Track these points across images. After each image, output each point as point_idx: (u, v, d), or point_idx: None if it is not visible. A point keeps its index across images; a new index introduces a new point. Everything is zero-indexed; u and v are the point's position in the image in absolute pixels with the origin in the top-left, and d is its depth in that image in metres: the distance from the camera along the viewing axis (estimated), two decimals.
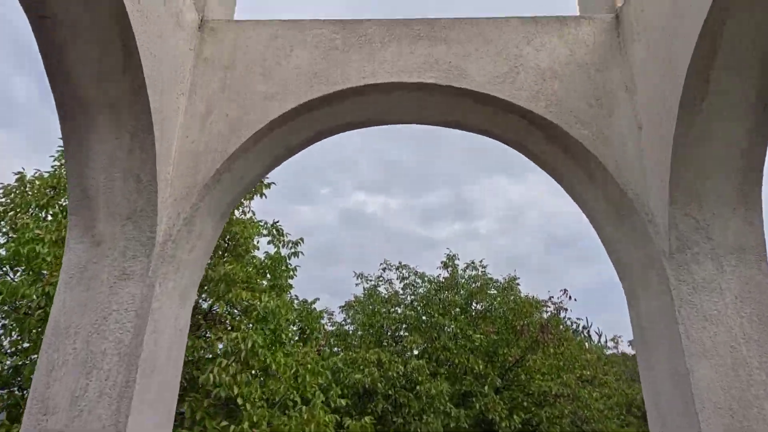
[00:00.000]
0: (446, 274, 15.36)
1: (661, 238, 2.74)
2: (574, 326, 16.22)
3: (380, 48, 3.22)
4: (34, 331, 6.85)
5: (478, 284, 15.07)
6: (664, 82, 2.74)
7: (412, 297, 15.49)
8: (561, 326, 14.24)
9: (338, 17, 3.35)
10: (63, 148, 3.38)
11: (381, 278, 16.01)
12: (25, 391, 6.77)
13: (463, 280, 15.48)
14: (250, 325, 8.31)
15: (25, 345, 7.15)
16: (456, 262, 15.40)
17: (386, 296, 15.46)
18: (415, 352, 13.42)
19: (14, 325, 6.99)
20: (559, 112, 3.03)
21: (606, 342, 19.75)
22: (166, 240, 2.84)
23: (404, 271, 15.93)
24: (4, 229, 8.49)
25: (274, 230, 11.40)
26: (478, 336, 13.09)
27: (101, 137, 2.72)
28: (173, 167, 2.96)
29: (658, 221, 2.77)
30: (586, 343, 16.92)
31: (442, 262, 15.47)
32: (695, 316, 2.57)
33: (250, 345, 7.07)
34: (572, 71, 3.12)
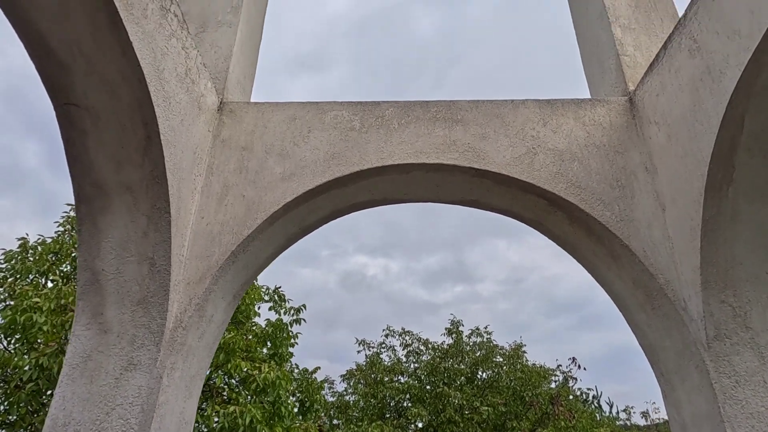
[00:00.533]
0: (450, 341, 14.96)
1: (697, 326, 2.62)
2: (584, 396, 15.60)
3: (398, 129, 3.24)
4: (23, 405, 6.54)
5: (484, 351, 14.64)
6: (687, 166, 2.72)
7: (416, 365, 15.00)
8: (571, 396, 13.70)
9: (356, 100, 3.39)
10: (75, 227, 3.29)
11: (383, 345, 15.57)
12: None
13: (468, 347, 15.05)
14: (249, 398, 7.96)
15: (12, 418, 6.82)
16: (460, 328, 15.04)
17: (389, 364, 14.98)
18: (420, 425, 12.81)
19: (3, 397, 6.69)
20: (580, 193, 2.99)
21: (618, 413, 18.93)
22: (177, 326, 2.71)
23: (407, 338, 15.52)
24: (2, 296, 8.32)
25: (275, 296, 11.17)
26: (486, 408, 12.52)
27: (117, 220, 2.66)
28: (187, 249, 2.88)
29: (691, 308, 2.66)
30: (598, 415, 16.17)
31: (446, 329, 15.12)
32: (741, 414, 2.40)
33: (248, 421, 6.73)
34: (591, 153, 3.12)
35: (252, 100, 4.16)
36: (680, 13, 3.82)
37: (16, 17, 2.11)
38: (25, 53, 2.24)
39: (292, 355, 10.46)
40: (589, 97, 4.11)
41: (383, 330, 15.78)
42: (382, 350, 15.47)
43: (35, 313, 7.20)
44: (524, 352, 14.79)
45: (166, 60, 2.59)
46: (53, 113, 2.41)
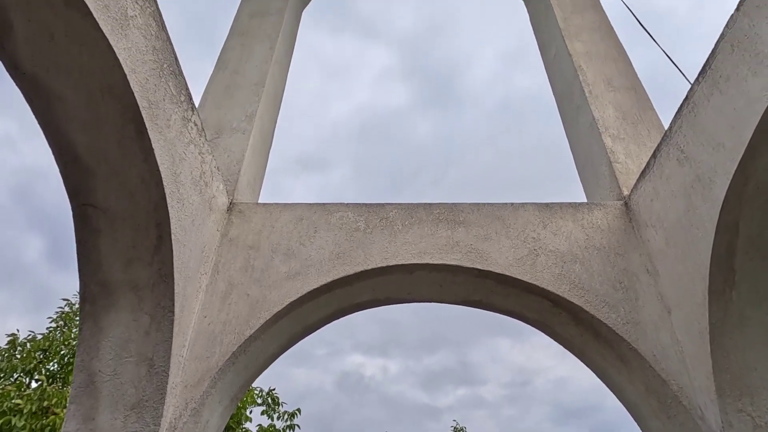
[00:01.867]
0: None
1: None
2: None
3: (402, 230, 3.32)
4: None
5: None
6: (687, 270, 2.76)
7: None
8: None
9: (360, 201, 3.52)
10: (78, 327, 3.24)
11: None
12: None
13: None
14: None
15: None
16: None
17: None
18: None
19: None
20: (584, 294, 3.00)
21: None
22: None
23: None
24: None
25: (269, 399, 10.64)
26: None
27: (119, 319, 2.64)
28: (188, 349, 2.83)
29: (709, 417, 2.56)
30: None
31: None
32: None
33: None
34: (591, 255, 3.18)
35: (260, 198, 4.30)
36: (665, 124, 4.10)
37: (50, 127, 2.27)
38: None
39: None
40: (585, 199, 4.27)
41: None
42: None
43: (14, 416, 6.85)
44: None
45: (183, 165, 2.73)
46: (59, 209, 2.50)
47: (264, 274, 3.14)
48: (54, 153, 2.36)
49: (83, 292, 2.66)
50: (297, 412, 10.46)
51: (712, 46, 2.60)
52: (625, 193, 3.50)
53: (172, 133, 2.60)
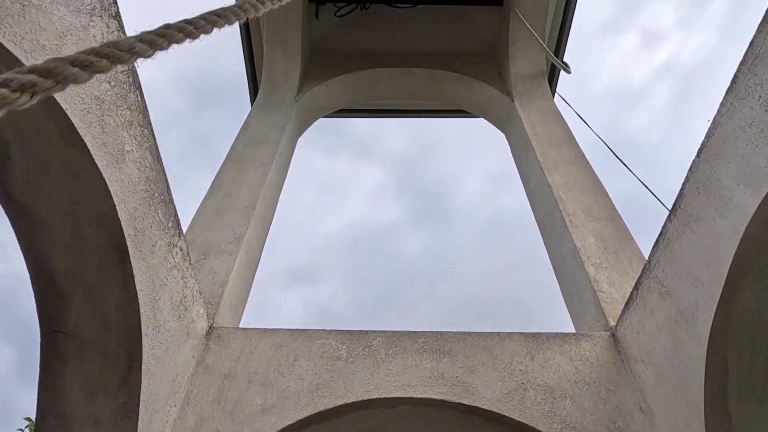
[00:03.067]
0: None
1: None
2: None
3: (385, 359, 3.21)
4: None
5: None
6: (682, 410, 2.64)
7: None
8: None
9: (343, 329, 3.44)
10: None
11: None
12: None
13: None
14: None
15: None
16: None
17: None
18: None
19: None
20: None
21: None
22: None
23: None
24: None
25: None
26: None
27: None
28: None
29: None
30: None
31: None
32: None
33: None
34: (582, 390, 3.05)
35: (244, 318, 4.20)
36: (645, 253, 4.19)
37: (31, 251, 2.27)
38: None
39: None
40: (572, 325, 4.21)
41: None
42: None
43: None
44: None
45: (164, 290, 2.70)
46: (36, 322, 2.41)
47: (237, 407, 2.96)
48: (31, 277, 2.34)
49: (39, 425, 2.47)
50: None
51: (681, 180, 2.75)
52: (612, 323, 3.46)
53: (156, 259, 2.60)
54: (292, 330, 3.42)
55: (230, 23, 1.03)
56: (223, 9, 1.02)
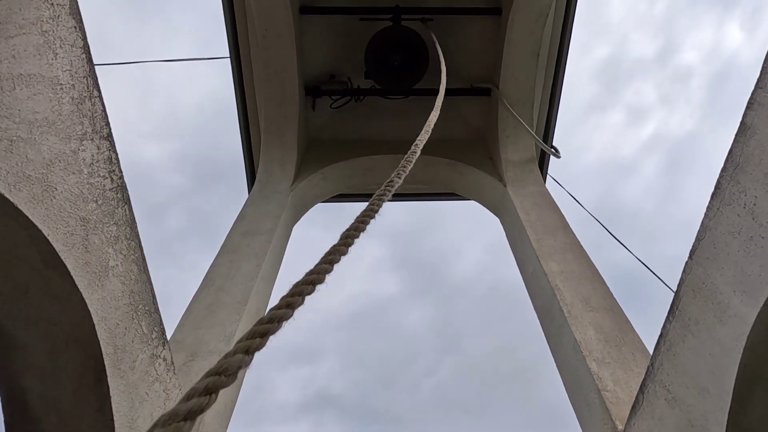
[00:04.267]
0: None
1: None
2: None
3: None
4: None
5: None
6: None
7: None
8: None
9: None
10: None
11: None
12: None
13: None
14: None
15: None
16: None
17: None
18: None
19: None
20: None
21: None
22: None
23: None
24: None
25: None
26: None
27: None
28: None
29: None
30: None
31: None
32: None
33: None
34: None
35: (231, 425, 3.97)
36: (647, 345, 4.05)
37: (4, 374, 2.17)
38: None
39: None
40: (579, 425, 3.98)
41: None
42: None
43: None
44: None
45: (144, 407, 2.56)
46: None
47: None
48: (2, 400, 2.22)
49: None
50: None
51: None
52: (620, 427, 3.26)
53: (136, 374, 2.49)
54: None
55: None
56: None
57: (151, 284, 2.69)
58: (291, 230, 6.33)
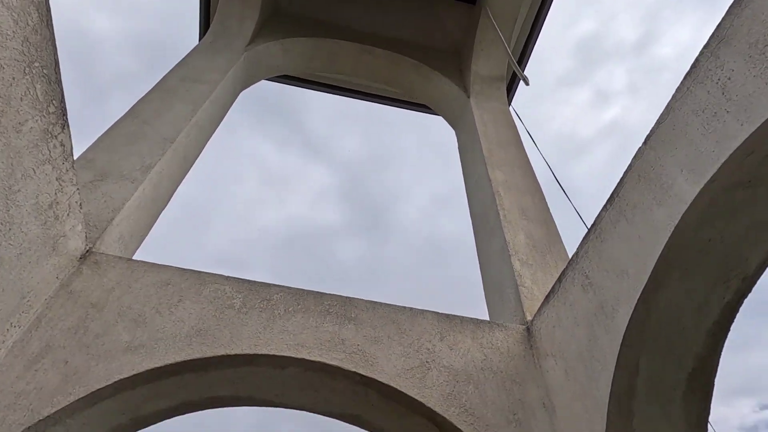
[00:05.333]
0: None
1: None
2: None
3: (283, 315, 2.87)
4: None
5: None
6: (586, 408, 2.49)
7: None
8: None
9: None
10: None
11: None
12: None
13: None
14: None
15: None
16: None
17: None
18: None
19: None
20: (474, 422, 2.61)
21: None
22: None
23: None
24: None
25: None
26: None
27: None
28: None
29: None
30: None
31: None
32: None
33: None
34: (487, 378, 2.85)
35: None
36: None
37: None
38: None
39: None
40: (488, 318, 4.05)
41: None
42: None
43: None
44: None
45: (27, 183, 2.24)
46: None
47: (98, 341, 2.51)
48: None
49: None
50: None
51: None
52: (529, 318, 3.31)
53: (22, 141, 2.15)
54: (184, 270, 3.01)
55: None
56: None
57: (55, 52, 2.29)
58: (237, 93, 5.86)
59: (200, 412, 2.86)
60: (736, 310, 2.36)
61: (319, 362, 2.69)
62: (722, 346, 2.41)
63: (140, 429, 2.70)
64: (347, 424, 2.97)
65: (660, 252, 2.19)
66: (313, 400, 2.88)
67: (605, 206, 2.69)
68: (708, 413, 2.44)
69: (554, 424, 2.71)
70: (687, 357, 2.36)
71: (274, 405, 2.91)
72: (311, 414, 2.95)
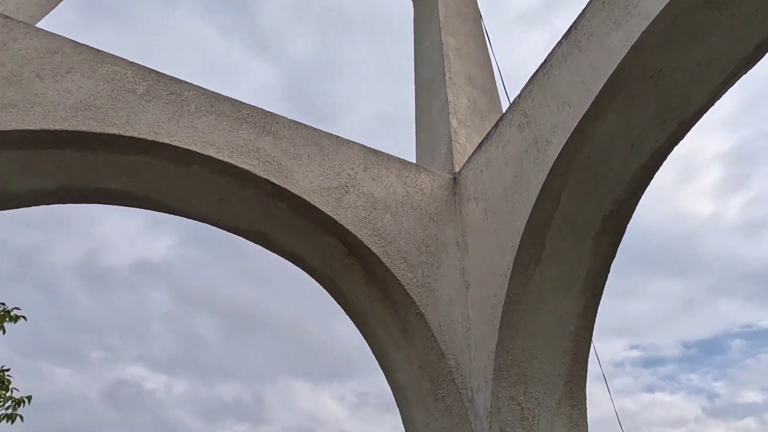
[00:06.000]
0: None
1: (480, 425, 2.10)
2: None
3: (194, 113, 2.54)
4: None
5: None
6: (499, 240, 2.45)
7: None
8: None
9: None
10: None
11: None
12: None
13: None
14: None
15: None
16: None
17: None
18: None
19: None
20: (385, 245, 2.52)
21: None
22: None
23: None
24: None
25: None
26: None
27: None
28: None
29: (478, 402, 2.16)
30: None
31: None
32: None
33: None
34: (405, 211, 2.74)
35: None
36: None
37: None
38: None
39: None
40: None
41: None
42: None
43: None
44: None
45: None
46: None
47: None
48: None
49: None
50: (26, 399, 8.31)
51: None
52: (457, 169, 3.21)
53: None
54: (79, 43, 2.55)
55: None
56: None
57: None
58: None
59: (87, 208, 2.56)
60: (664, 158, 2.33)
61: (227, 163, 2.43)
62: (641, 195, 2.41)
63: (6, 209, 2.37)
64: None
65: (609, 76, 2.06)
66: (218, 211, 2.65)
67: (559, 42, 2.51)
68: (612, 259, 2.48)
69: (464, 261, 2.68)
70: (608, 197, 2.34)
71: (174, 211, 2.66)
72: (203, 227, 2.74)
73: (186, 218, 2.73)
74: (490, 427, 2.06)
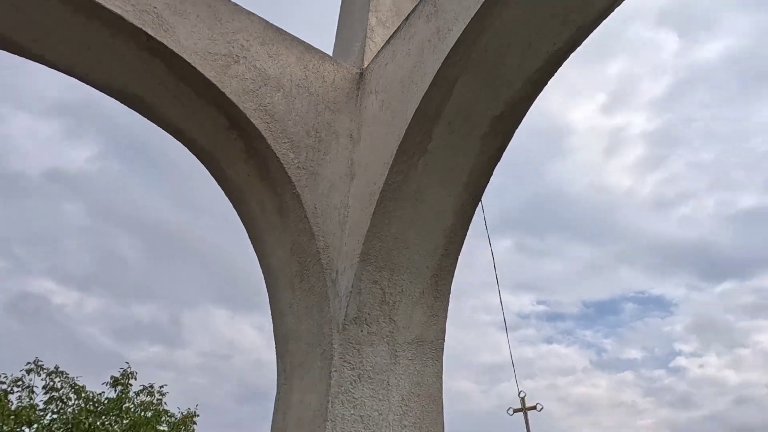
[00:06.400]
0: (113, 395, 12.35)
1: (340, 303, 2.07)
2: None
3: None
4: None
5: (149, 414, 12.39)
6: (389, 129, 2.36)
7: (54, 416, 11.81)
8: None
9: None
10: None
11: (20, 382, 11.92)
12: None
13: (133, 406, 12.58)
14: None
15: None
16: (131, 381, 12.55)
17: (16, 409, 11.43)
18: None
19: None
20: (270, 122, 2.36)
21: None
22: None
23: (57, 380, 12.20)
24: None
25: None
26: None
27: None
28: None
29: (341, 283, 2.13)
30: None
31: (112, 378, 12.41)
32: (350, 414, 1.82)
33: None
34: (300, 93, 2.58)
35: None
36: None
37: None
38: None
39: None
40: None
41: (27, 363, 12.16)
42: (15, 389, 11.80)
43: None
44: (195, 423, 13.08)
45: None
46: None
47: None
48: None
49: None
50: None
51: None
52: (366, 64, 3.05)
53: None
54: None
55: None
56: None
57: None
58: None
59: None
60: (560, 64, 2.29)
61: (94, 2, 2.14)
62: (533, 101, 2.37)
63: None
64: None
65: None
66: (86, 62, 2.37)
67: None
68: (497, 162, 2.46)
69: (354, 152, 2.59)
70: (500, 96, 2.29)
71: (32, 56, 2.35)
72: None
73: (51, 68, 2.42)
74: (348, 305, 2.04)
